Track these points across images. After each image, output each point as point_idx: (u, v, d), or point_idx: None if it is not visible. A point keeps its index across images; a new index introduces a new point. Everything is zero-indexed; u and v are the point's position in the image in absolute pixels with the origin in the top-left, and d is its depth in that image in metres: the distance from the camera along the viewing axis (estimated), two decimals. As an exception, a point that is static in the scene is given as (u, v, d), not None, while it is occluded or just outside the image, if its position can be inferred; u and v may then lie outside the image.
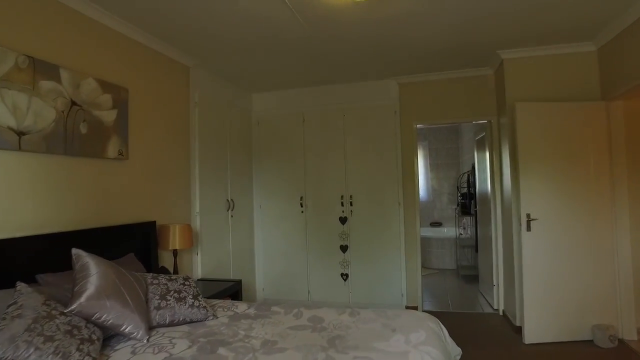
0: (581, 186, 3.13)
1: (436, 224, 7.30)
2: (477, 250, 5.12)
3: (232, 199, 3.97)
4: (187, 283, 2.08)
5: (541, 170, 3.17)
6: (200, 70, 3.55)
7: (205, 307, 1.98)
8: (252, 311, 2.10)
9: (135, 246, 2.57)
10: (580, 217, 3.12)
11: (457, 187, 5.67)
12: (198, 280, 3.31)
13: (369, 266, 4.14)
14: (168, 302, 1.87)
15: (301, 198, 4.36)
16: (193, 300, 1.96)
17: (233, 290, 3.17)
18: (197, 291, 2.06)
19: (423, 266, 6.27)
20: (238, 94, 4.28)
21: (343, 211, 4.22)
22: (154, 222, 2.75)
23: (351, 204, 4.19)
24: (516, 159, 3.24)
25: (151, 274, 2.02)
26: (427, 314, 1.96)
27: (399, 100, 4.14)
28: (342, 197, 4.22)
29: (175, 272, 2.83)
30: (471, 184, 5.34)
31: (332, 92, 4.32)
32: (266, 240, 4.49)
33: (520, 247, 3.20)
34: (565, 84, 3.31)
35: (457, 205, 5.68)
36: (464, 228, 6.06)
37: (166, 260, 2.97)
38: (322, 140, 4.32)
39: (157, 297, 1.87)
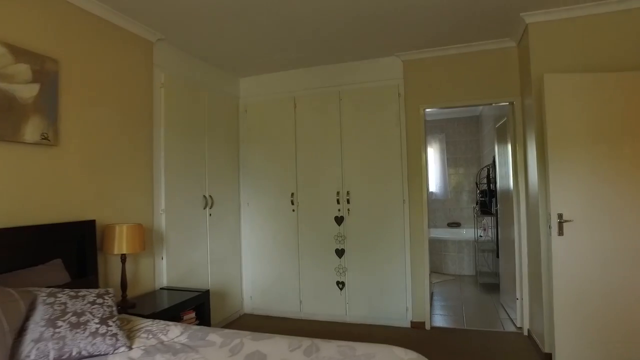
0: (630, 180, 2.47)
1: (454, 225, 6.63)
2: (498, 256, 4.46)
3: (210, 196, 3.50)
4: (100, 300, 1.59)
5: (576, 161, 2.52)
6: (168, 48, 3.09)
7: (115, 334, 1.49)
8: (182, 339, 1.60)
9: (66, 250, 2.11)
10: (628, 218, 2.46)
11: (476, 184, 5.01)
12: (161, 289, 2.85)
13: (368, 274, 3.57)
14: (57, 330, 1.39)
15: (292, 194, 3.84)
16: (98, 326, 1.48)
17: (198, 303, 2.68)
18: (111, 312, 1.57)
19: (438, 272, 5.65)
20: (224, 78, 3.80)
21: (339, 210, 3.67)
22: (93, 221, 2.29)
23: (348, 202, 3.64)
24: (544, 147, 2.60)
25: (50, 289, 1.55)
26: (412, 354, 1.40)
27: (403, 80, 3.55)
28: (337, 193, 3.67)
29: (124, 281, 2.37)
30: (492, 179, 4.68)
31: (327, 74, 3.78)
32: (254, 242, 4.00)
33: (549, 254, 2.57)
34: (609, 52, 2.65)
35: (476, 204, 5.02)
36: (484, 229, 5.38)
37: (114, 267, 2.51)
38: (315, 128, 3.79)
39: (41, 323, 1.39)
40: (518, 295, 3.28)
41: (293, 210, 3.84)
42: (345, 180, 3.66)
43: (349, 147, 3.66)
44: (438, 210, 6.73)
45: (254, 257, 3.99)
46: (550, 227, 2.52)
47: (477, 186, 4.99)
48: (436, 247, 5.69)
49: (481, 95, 3.35)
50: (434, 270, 5.67)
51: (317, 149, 3.77)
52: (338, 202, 3.66)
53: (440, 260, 5.61)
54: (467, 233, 6.38)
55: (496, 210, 4.36)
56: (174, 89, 3.10)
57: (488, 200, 4.64)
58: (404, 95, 3.53)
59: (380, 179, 3.55)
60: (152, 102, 2.90)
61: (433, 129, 6.81)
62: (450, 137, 6.73)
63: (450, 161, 6.69)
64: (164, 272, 2.93)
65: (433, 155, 6.75)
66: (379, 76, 3.61)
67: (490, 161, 4.90)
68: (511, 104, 3.34)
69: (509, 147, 3.45)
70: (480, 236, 5.25)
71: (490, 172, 4.84)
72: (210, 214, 3.48)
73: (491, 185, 4.70)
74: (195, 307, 2.70)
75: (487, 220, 5.27)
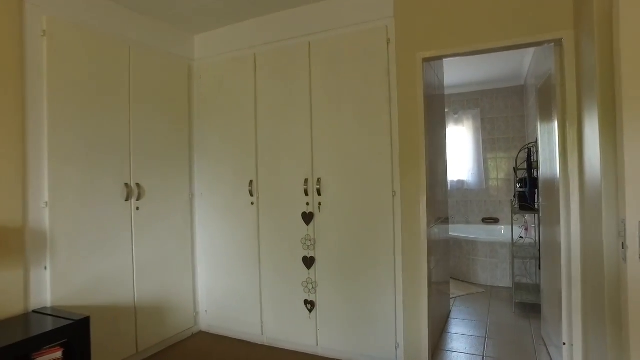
0: None
1: (490, 221, 5.40)
2: (540, 266, 3.27)
3: (138, 184, 2.68)
4: None
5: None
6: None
7: None
8: None
9: None
10: None
11: (514, 169, 3.80)
12: (35, 311, 2.08)
13: (345, 293, 2.60)
14: None
15: (250, 183, 2.93)
16: None
17: (69, 335, 1.88)
18: None
19: (464, 280, 4.49)
20: (165, 33, 2.94)
21: (307, 204, 2.71)
22: None
23: (319, 193, 2.66)
24: (614, 115, 1.46)
25: None
26: None
27: (394, 19, 2.47)
28: (305, 181, 2.70)
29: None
30: (534, 164, 3.46)
31: (294, 19, 2.79)
32: (209, 244, 3.16)
33: (622, 282, 1.45)
34: None
35: (514, 197, 3.82)
36: (525, 229, 4.15)
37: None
38: (279, 95, 2.83)
39: None
40: (565, 338, 2.15)
41: (252, 204, 2.93)
42: (316, 163, 2.68)
43: (320, 118, 2.67)
44: (471, 202, 5.51)
45: (210, 262, 3.15)
46: (623, 243, 1.39)
47: (515, 173, 3.78)
48: (464, 250, 4.53)
49: (510, 31, 2.20)
50: (459, 278, 4.53)
51: (282, 122, 2.82)
52: (306, 193, 2.69)
53: (468, 267, 4.46)
54: (506, 232, 5.13)
55: (539, 205, 3.17)
56: (65, 39, 2.28)
57: (529, 191, 3.43)
58: (395, 41, 2.46)
59: (361, 162, 2.53)
60: (22, 57, 2.10)
61: (465, 103, 5.56)
62: (486, 113, 5.44)
63: (487, 143, 5.43)
64: (48, 287, 2.16)
65: (466, 135, 5.51)
66: (361, 16, 2.56)
67: (534, 140, 3.66)
68: (558, 43, 2.16)
69: (555, 116, 2.28)
70: (521, 237, 4.04)
71: (533, 154, 3.61)
72: (137, 208, 2.67)
73: (533, 171, 3.48)
74: (67, 341, 1.90)
75: (529, 217, 4.04)
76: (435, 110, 3.10)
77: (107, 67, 2.51)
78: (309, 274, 2.70)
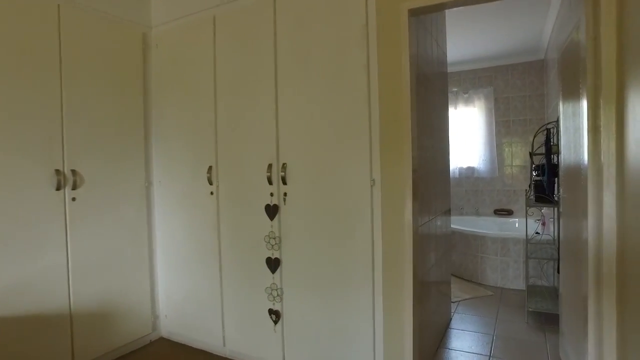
0: None
1: (503, 213, 4.85)
2: (559, 270, 2.75)
3: (73, 170, 2.27)
4: None
5: None
6: None
7: None
8: None
9: None
10: None
11: (530, 154, 3.24)
12: None
13: (315, 302, 2.14)
14: None
15: (209, 169, 2.48)
16: None
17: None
18: None
19: (470, 280, 3.97)
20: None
21: (271, 194, 2.24)
22: None
23: (284, 181, 2.19)
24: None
25: None
26: None
27: (374, -41, 1.95)
28: (269, 167, 2.23)
29: None
30: (554, 148, 2.90)
31: (257, -31, 2.29)
32: (169, 238, 2.74)
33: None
34: None
35: (529, 187, 3.27)
36: (543, 223, 3.60)
37: None
38: (240, 64, 2.36)
39: None
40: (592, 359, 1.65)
41: (212, 193, 2.49)
42: (282, 146, 2.21)
43: (286, 92, 2.18)
44: (482, 192, 4.97)
45: (170, 259, 2.74)
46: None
47: (530, 158, 3.21)
48: (471, 246, 4.01)
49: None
50: (464, 277, 4.02)
51: (243, 96, 2.34)
52: (270, 181, 2.23)
53: (476, 265, 3.95)
54: (520, 225, 4.59)
55: (558, 197, 2.63)
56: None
57: (547, 180, 2.88)
58: (376, -11, 1.94)
59: (333, 144, 2.05)
60: None
61: (476, 80, 4.96)
62: (500, 92, 4.84)
63: (500, 125, 4.85)
64: (-58, 295, 1.78)
65: (477, 117, 4.93)
66: (334, -41, 2.04)
67: (554, 120, 3.09)
68: (590, -19, 1.61)
69: (583, 88, 1.74)
70: (537, 233, 3.49)
71: (553, 137, 3.05)
72: (73, 199, 2.26)
73: (553, 157, 2.93)
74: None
75: (547, 210, 3.49)
76: (435, 86, 2.58)
77: (27, 27, 2.07)
78: (273, 278, 2.26)
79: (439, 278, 2.64)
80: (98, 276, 2.39)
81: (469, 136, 4.96)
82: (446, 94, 3.11)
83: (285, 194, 2.19)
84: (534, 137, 3.12)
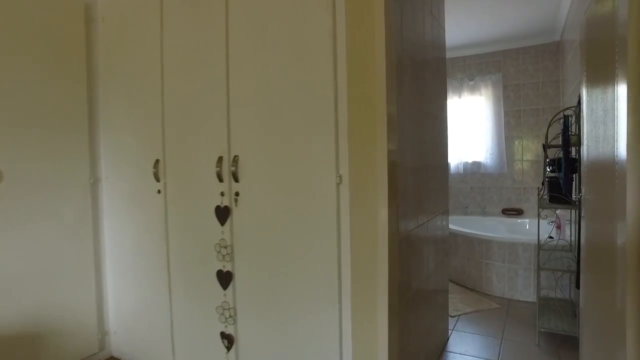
0: None
1: (512, 212, 4.39)
2: (577, 284, 2.30)
3: (-13, 164, 1.89)
4: None
5: None
6: None
7: None
8: None
9: None
10: None
11: (544, 146, 2.77)
12: None
13: (273, 324, 1.73)
14: None
15: (156, 163, 2.08)
16: None
17: None
18: None
19: (473, 289, 3.50)
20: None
21: (222, 193, 1.83)
22: None
23: (236, 178, 1.78)
24: None
25: None
26: None
27: None
28: (219, 160, 1.82)
29: None
30: (572, 139, 2.44)
31: None
32: (118, 244, 2.36)
33: None
34: None
35: (542, 184, 2.81)
36: (558, 227, 3.14)
37: None
38: (189, 38, 1.94)
39: None
40: None
41: (159, 192, 2.09)
42: (234, 135, 1.79)
43: (239, 69, 1.77)
44: (489, 189, 4.51)
45: (119, 268, 2.36)
46: None
47: (544, 151, 2.75)
48: (475, 251, 3.57)
49: None
50: (467, 286, 3.58)
51: (192, 77, 1.93)
52: (220, 178, 1.82)
53: (480, 273, 3.50)
54: (531, 227, 4.12)
55: (579, 198, 2.16)
56: None
57: (564, 177, 2.42)
58: None
59: (292, 133, 1.62)
60: None
61: (483, 66, 4.49)
62: (510, 79, 4.36)
63: (510, 115, 4.37)
64: None
65: (484, 106, 4.46)
66: None
67: (574, 106, 2.61)
68: None
69: (619, 65, 1.28)
70: (550, 238, 3.03)
71: (572, 125, 2.58)
72: (-13, 198, 1.88)
73: (571, 149, 2.47)
74: None
75: (562, 212, 3.03)
76: (429, 68, 2.14)
77: None
78: (225, 295, 1.85)
79: (433, 289, 2.22)
80: (27, 291, 2.01)
81: (474, 128, 4.50)
82: (444, 78, 2.67)
83: (237, 194, 1.78)
84: (549, 125, 2.65)
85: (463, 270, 3.66)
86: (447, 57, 4.75)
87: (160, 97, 2.05)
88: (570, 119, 2.49)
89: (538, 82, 4.21)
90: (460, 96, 4.54)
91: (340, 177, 1.51)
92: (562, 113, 2.50)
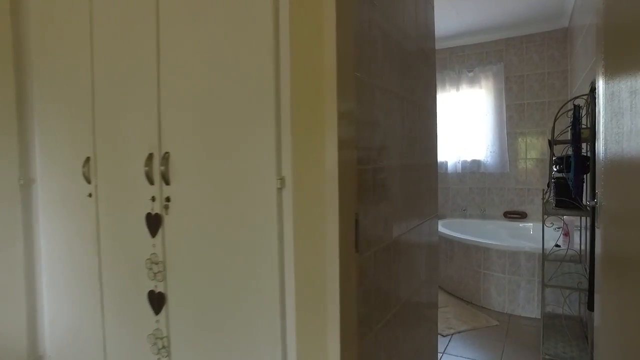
0: None
1: (515, 216, 4.04)
2: (590, 305, 1.95)
3: None
4: None
5: None
6: None
7: None
8: None
9: None
10: None
11: (549, 143, 2.41)
12: None
13: (212, 357, 1.40)
14: None
15: (86, 161, 1.75)
16: None
17: None
18: None
19: (470, 302, 3.14)
20: None
21: (153, 198, 1.50)
22: None
23: (166, 180, 1.45)
24: None
25: None
26: None
27: None
28: (149, 158, 1.49)
29: None
30: (584, 133, 2.08)
31: None
32: (52, 255, 2.03)
33: None
34: None
35: (547, 186, 2.45)
36: (565, 234, 2.78)
37: None
38: (119, 19, 1.61)
39: None
40: None
41: (90, 195, 1.76)
42: (165, 127, 1.46)
43: (170, 47, 1.43)
44: (490, 191, 4.15)
45: (55, 283, 2.03)
46: None
47: (550, 148, 2.38)
48: (472, 260, 3.22)
49: None
50: (463, 298, 3.23)
51: (122, 57, 1.60)
52: (150, 179, 1.48)
53: (478, 284, 3.15)
54: (535, 231, 3.77)
55: (594, 204, 1.81)
56: None
57: (574, 178, 2.07)
58: None
59: (230, 122, 1.28)
60: None
61: (483, 56, 4.13)
62: (513, 69, 4.00)
63: (512, 110, 4.01)
64: None
65: (484, 100, 4.10)
66: None
67: (586, 94, 2.25)
68: None
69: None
70: (557, 246, 2.68)
71: (584, 117, 2.22)
72: None
73: (582, 146, 2.11)
74: None
75: (569, 217, 2.67)
76: (409, 53, 1.79)
77: None
78: (158, 322, 1.52)
79: (419, 306, 1.88)
80: None
81: (474, 123, 4.14)
82: (432, 68, 2.31)
83: (167, 199, 1.45)
84: (556, 118, 2.29)
85: (459, 280, 3.31)
86: (444, 47, 4.41)
87: (90, 83, 1.72)
88: (581, 110, 2.13)
89: (543, 72, 3.84)
90: (458, 89, 4.18)
91: (282, 179, 1.17)
92: (571, 103, 2.14)
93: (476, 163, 4.19)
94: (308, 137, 1.11)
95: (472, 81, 4.11)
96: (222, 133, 1.30)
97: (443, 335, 2.56)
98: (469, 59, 4.16)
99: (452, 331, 2.64)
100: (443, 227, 3.76)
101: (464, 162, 4.24)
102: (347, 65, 1.11)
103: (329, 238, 1.07)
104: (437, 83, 4.34)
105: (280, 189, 1.17)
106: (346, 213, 1.08)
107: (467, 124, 4.15)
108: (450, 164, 4.30)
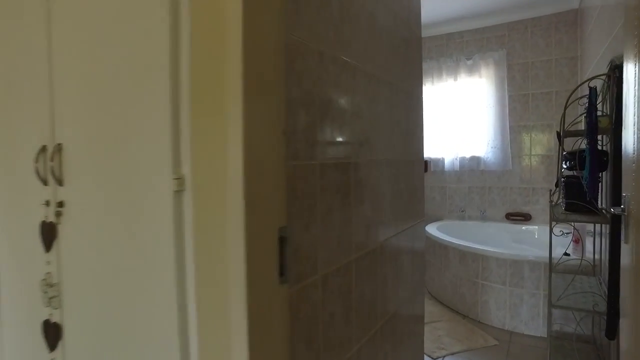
0: None
1: (518, 218, 3.69)
2: (611, 334, 1.60)
3: None
4: None
5: None
6: None
7: None
8: None
9: None
10: None
11: (557, 135, 2.06)
12: None
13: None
14: None
15: (-18, 155, 1.42)
16: None
17: None
18: None
19: (466, 315, 2.79)
20: None
21: (47, 202, 1.16)
22: None
23: (59, 179, 1.11)
24: None
25: None
26: None
27: None
28: (41, 151, 1.15)
29: None
30: (600, 123, 1.72)
31: None
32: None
33: None
34: None
35: (556, 186, 2.10)
36: (576, 241, 2.42)
37: None
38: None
39: None
40: None
41: (-12, 198, 1.43)
42: (60, 113, 1.12)
43: (61, 26, 1.09)
44: (491, 190, 3.80)
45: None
46: None
47: (558, 141, 2.02)
48: (469, 269, 2.87)
49: None
50: (459, 311, 2.88)
51: (10, 42, 1.26)
52: (43, 179, 1.14)
53: (475, 296, 2.80)
54: (541, 235, 3.42)
55: (619, 211, 1.45)
56: None
57: (589, 176, 1.71)
58: None
59: (126, 110, 0.94)
60: None
61: (484, 42, 3.77)
62: (516, 56, 3.63)
63: (516, 100, 3.65)
64: None
65: (484, 90, 3.74)
66: None
67: (603, 74, 1.89)
68: None
69: None
70: (566, 255, 2.33)
71: (602, 103, 1.86)
72: None
73: (599, 138, 1.75)
74: None
75: (580, 223, 2.32)
76: (382, 42, 1.44)
77: None
78: (53, 358, 1.19)
79: (398, 332, 1.53)
80: None
81: (473, 116, 3.78)
82: (417, 54, 1.95)
83: (60, 204, 1.11)
84: (566, 104, 1.93)
85: (454, 291, 2.96)
86: (441, 32, 4.04)
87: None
88: (597, 94, 1.77)
89: (550, 59, 3.47)
90: (456, 78, 3.81)
91: (180, 179, 0.82)
92: (587, 84, 1.77)
93: (476, 160, 3.83)
94: (213, 120, 0.77)
95: (471, 70, 3.74)
96: (118, 119, 0.96)
97: (433, 358, 2.22)
98: (468, 45, 3.79)
99: (443, 352, 2.29)
100: (438, 230, 3.41)
101: (463, 159, 3.88)
102: (265, 15, 0.76)
103: (232, 265, 0.72)
104: (434, 72, 3.99)
105: (179, 192, 0.83)
106: (260, 229, 0.73)
107: (465, 116, 3.79)
108: (447, 161, 3.94)
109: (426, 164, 4.27)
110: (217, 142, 0.76)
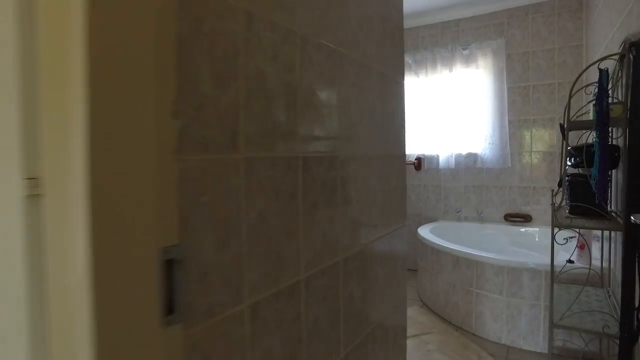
0: None
1: (517, 219, 3.45)
2: (624, 356, 1.35)
3: None
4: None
5: None
6: None
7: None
8: None
9: None
10: None
11: (561, 128, 1.82)
12: None
13: None
14: None
15: None
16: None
17: None
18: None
19: (460, 327, 2.53)
20: None
21: None
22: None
23: None
24: None
25: None
26: None
27: None
28: None
29: None
30: (614, 112, 1.48)
31: None
32: None
33: None
34: None
35: (559, 187, 1.86)
36: (581, 247, 2.18)
37: None
38: None
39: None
40: None
41: None
42: None
43: None
44: (488, 189, 3.56)
45: None
46: None
47: (562, 135, 1.79)
48: (463, 277, 2.63)
49: None
50: (451, 321, 2.64)
51: None
52: None
53: (469, 306, 2.55)
54: (542, 238, 3.18)
55: (638, 218, 1.20)
56: None
57: (598, 175, 1.47)
58: None
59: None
60: None
61: (481, 30, 3.52)
62: (516, 45, 3.38)
63: (516, 93, 3.40)
64: None
65: (482, 82, 3.50)
66: None
67: (616, 54, 1.64)
68: None
69: None
70: (570, 262, 2.09)
71: (612, 90, 1.61)
72: None
73: (610, 130, 1.51)
74: None
75: (586, 228, 2.07)
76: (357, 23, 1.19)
77: None
78: None
79: (378, 351, 1.30)
80: None
81: (469, 110, 3.53)
82: (398, 41, 1.70)
83: None
84: (571, 94, 1.68)
85: (447, 300, 2.72)
86: (436, 21, 3.75)
87: None
88: (609, 77, 1.52)
89: (553, 49, 3.22)
90: (451, 69, 3.57)
91: (35, 181, 0.58)
92: (596, 66, 1.52)
93: (472, 157, 3.59)
94: (65, 103, 0.52)
95: (468, 60, 3.49)
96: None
97: (421, 379, 1.98)
98: (464, 34, 3.54)
99: (432, 373, 2.06)
100: (431, 233, 3.17)
101: (458, 156, 3.64)
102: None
103: (77, 301, 0.48)
104: (427, 63, 3.73)
105: (33, 197, 0.58)
106: (122, 251, 0.49)
107: (462, 110, 3.54)
108: (442, 158, 3.70)
109: (420, 161, 4.02)
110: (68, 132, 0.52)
